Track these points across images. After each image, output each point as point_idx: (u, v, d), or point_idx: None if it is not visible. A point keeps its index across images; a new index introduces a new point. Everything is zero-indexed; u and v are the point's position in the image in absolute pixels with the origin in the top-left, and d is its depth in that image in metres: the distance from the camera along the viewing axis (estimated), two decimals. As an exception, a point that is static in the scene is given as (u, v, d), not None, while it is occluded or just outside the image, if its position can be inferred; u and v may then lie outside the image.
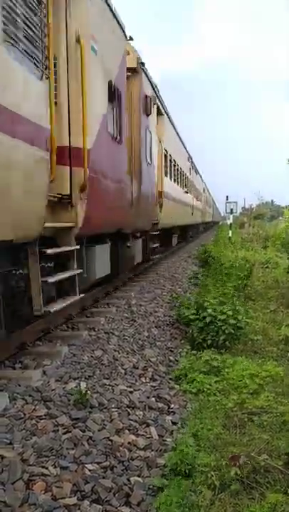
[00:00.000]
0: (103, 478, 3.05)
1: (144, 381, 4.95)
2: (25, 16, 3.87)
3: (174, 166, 17.13)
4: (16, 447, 3.07)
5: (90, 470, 3.08)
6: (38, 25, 4.14)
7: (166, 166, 14.65)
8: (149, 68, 10.22)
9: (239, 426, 4.00)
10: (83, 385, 4.23)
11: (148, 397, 4.52)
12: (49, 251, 4.68)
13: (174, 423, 4.15)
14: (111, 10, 6.75)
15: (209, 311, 6.46)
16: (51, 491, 2.78)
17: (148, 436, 3.81)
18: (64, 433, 3.42)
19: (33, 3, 4.04)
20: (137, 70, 9.30)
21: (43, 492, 2.75)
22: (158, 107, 12.61)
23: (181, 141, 20.50)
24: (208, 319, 6.38)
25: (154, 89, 11.30)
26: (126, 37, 7.89)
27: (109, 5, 6.60)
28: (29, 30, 3.95)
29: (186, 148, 22.50)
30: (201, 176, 36.61)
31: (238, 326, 6.41)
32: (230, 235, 25.83)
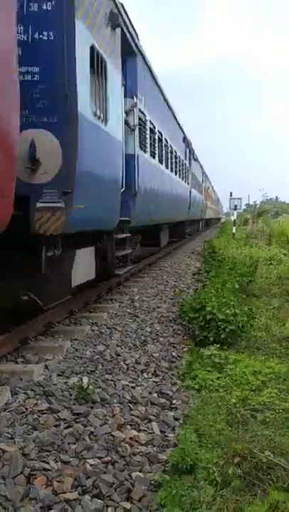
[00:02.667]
0: (104, 473, 3.03)
1: (146, 377, 4.93)
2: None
3: (160, 140, 12.13)
4: (18, 441, 3.06)
5: (91, 465, 3.07)
6: None
7: (144, 137, 9.67)
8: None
9: (242, 422, 3.98)
10: (85, 379, 4.22)
11: (150, 393, 4.50)
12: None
13: (176, 419, 4.13)
14: None
15: (209, 309, 6.41)
16: (52, 485, 2.77)
17: (150, 431, 3.79)
18: (65, 428, 3.41)
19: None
20: None
21: (44, 486, 2.74)
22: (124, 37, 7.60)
23: (171, 111, 14.98)
24: (208, 317, 6.35)
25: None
26: None
27: None
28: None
29: (179, 125, 17.53)
30: (201, 166, 32.02)
31: (238, 325, 6.37)
32: (234, 231, 25.74)
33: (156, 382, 4.84)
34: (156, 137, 11.41)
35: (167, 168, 13.52)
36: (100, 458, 3.18)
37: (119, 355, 5.18)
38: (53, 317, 5.82)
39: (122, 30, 7.25)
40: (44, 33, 4.69)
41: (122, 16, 7.16)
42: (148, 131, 10.06)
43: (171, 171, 14.59)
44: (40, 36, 4.70)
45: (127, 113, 8.07)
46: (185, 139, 19.65)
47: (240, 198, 27.27)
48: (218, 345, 5.97)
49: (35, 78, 4.68)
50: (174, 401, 4.49)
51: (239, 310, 6.68)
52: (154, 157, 11.03)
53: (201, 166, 31.50)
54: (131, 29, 8.17)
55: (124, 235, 8.25)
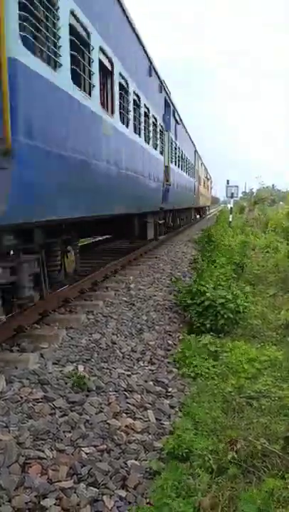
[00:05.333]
0: (100, 461, 3.03)
1: (142, 365, 4.92)
2: None
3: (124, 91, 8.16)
4: (12, 430, 3.05)
5: (86, 453, 3.07)
6: None
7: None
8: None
9: (237, 410, 3.99)
10: (81, 368, 4.21)
11: (146, 381, 4.50)
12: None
13: (171, 407, 4.14)
14: None
15: (208, 294, 6.42)
16: (47, 474, 2.76)
17: (146, 419, 3.79)
18: (61, 416, 3.40)
19: None
20: None
21: (39, 475, 2.73)
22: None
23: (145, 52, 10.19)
24: (206, 303, 6.35)
25: None
26: None
27: None
28: None
29: (159, 79, 12.47)
30: (192, 140, 24.90)
31: (237, 310, 6.39)
32: (230, 219, 25.67)
33: (152, 371, 4.84)
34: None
35: (130, 127, 8.60)
36: (95, 446, 3.18)
37: (115, 343, 5.17)
38: (48, 305, 5.79)
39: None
40: None
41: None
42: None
43: (142, 136, 9.90)
44: None
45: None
46: (168, 100, 14.16)
47: (237, 186, 27.09)
48: (215, 334, 5.98)
49: None
50: (170, 389, 4.49)
51: (239, 291, 6.73)
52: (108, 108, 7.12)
53: (191, 139, 23.98)
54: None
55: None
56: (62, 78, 4.83)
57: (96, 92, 6.16)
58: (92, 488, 2.78)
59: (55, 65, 4.68)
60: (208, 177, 42.46)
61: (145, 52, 10.11)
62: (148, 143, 10.75)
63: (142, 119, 9.97)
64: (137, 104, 9.37)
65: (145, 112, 10.38)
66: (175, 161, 16.44)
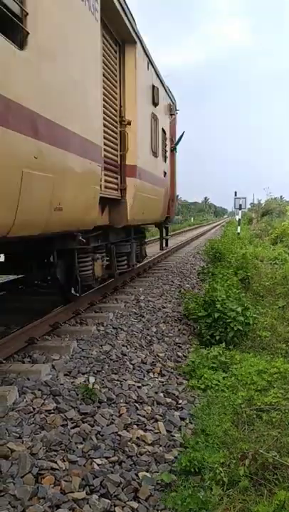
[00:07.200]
0: (112, 472, 3.06)
1: (152, 376, 4.95)
2: None
3: None
4: (25, 441, 3.09)
5: (98, 464, 3.10)
6: None
7: None
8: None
9: (248, 422, 3.99)
10: (92, 379, 4.25)
11: (156, 393, 4.52)
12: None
13: (182, 418, 4.15)
14: None
15: (218, 306, 6.44)
16: (60, 484, 2.79)
17: (156, 431, 3.81)
18: (73, 427, 3.43)
19: None
20: None
21: (52, 486, 2.76)
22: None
23: None
24: (216, 315, 6.37)
25: None
26: None
27: None
28: None
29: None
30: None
31: (247, 322, 6.40)
32: (238, 230, 25.70)
33: (162, 382, 4.86)
34: None
35: None
36: (107, 457, 3.21)
37: (125, 354, 5.20)
38: (59, 317, 5.85)
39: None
40: None
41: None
42: None
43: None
44: None
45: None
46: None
47: (244, 198, 27.11)
48: (224, 345, 5.99)
49: None
50: (180, 401, 4.51)
51: (249, 305, 6.74)
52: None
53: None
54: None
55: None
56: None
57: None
58: (104, 499, 2.81)
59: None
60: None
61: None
62: None
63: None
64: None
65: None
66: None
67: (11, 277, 8.94)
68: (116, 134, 7.58)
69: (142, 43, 8.37)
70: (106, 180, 6.90)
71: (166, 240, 14.26)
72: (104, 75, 6.68)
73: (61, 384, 4.04)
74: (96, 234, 6.92)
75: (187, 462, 3.22)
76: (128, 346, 5.52)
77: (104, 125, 6.72)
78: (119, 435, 3.53)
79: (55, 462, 2.96)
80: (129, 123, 7.79)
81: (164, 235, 13.72)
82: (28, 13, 3.82)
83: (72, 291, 6.19)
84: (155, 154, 10.01)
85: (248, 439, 3.64)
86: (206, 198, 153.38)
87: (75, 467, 2.99)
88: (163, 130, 11.23)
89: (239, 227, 26.28)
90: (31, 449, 3.00)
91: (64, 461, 3.02)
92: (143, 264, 11.68)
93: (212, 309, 6.46)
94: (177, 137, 14.07)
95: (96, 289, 7.44)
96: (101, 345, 5.27)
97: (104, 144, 6.70)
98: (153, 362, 5.31)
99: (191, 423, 4.08)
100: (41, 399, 3.71)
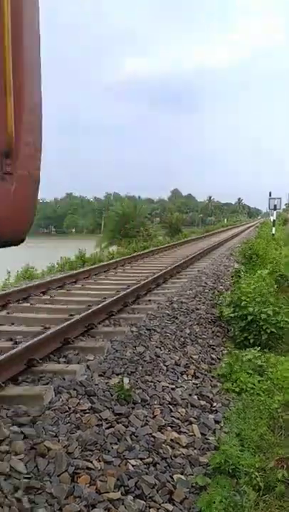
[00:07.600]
0: (146, 474, 3.06)
1: (186, 378, 4.93)
2: None
3: None
4: (62, 440, 3.13)
5: (133, 465, 3.11)
6: None
7: None
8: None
9: (284, 427, 3.92)
10: (126, 380, 4.26)
11: (190, 395, 4.50)
12: None
13: (216, 422, 4.12)
14: None
15: (250, 309, 6.35)
16: (95, 484, 2.82)
17: (190, 434, 3.80)
18: (107, 427, 3.46)
19: None
20: None
21: (87, 485, 2.79)
22: None
23: None
24: (249, 318, 6.29)
25: None
26: None
27: None
28: None
29: None
30: None
31: (279, 326, 6.29)
32: (273, 231, 25.27)
33: (196, 384, 4.83)
34: None
35: None
36: (141, 459, 3.22)
37: (158, 356, 5.20)
38: (93, 318, 5.91)
39: None
40: None
41: None
42: None
43: None
44: None
45: None
46: None
47: (280, 198, 26.70)
48: (259, 348, 5.90)
49: None
50: (215, 403, 4.47)
51: (279, 308, 6.61)
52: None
53: None
54: None
55: None
56: None
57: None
58: (139, 500, 2.82)
59: None
60: None
61: None
62: None
63: None
64: None
65: None
66: None
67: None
68: None
69: None
70: None
71: None
72: None
73: (96, 384, 4.07)
74: None
75: (221, 460, 3.18)
76: (161, 348, 5.52)
77: None
78: (154, 437, 3.53)
79: (91, 462, 3.00)
80: None
81: None
82: None
83: None
84: None
85: (284, 444, 3.57)
86: (239, 199, 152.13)
87: (110, 467, 3.01)
88: None
89: (274, 228, 25.82)
90: (67, 448, 3.04)
91: (99, 461, 3.05)
92: (176, 265, 11.65)
93: (245, 311, 6.38)
94: None
95: (130, 290, 7.46)
96: (135, 347, 5.29)
97: None
98: (187, 364, 5.29)
99: (226, 426, 4.04)
100: (76, 399, 3.75)
